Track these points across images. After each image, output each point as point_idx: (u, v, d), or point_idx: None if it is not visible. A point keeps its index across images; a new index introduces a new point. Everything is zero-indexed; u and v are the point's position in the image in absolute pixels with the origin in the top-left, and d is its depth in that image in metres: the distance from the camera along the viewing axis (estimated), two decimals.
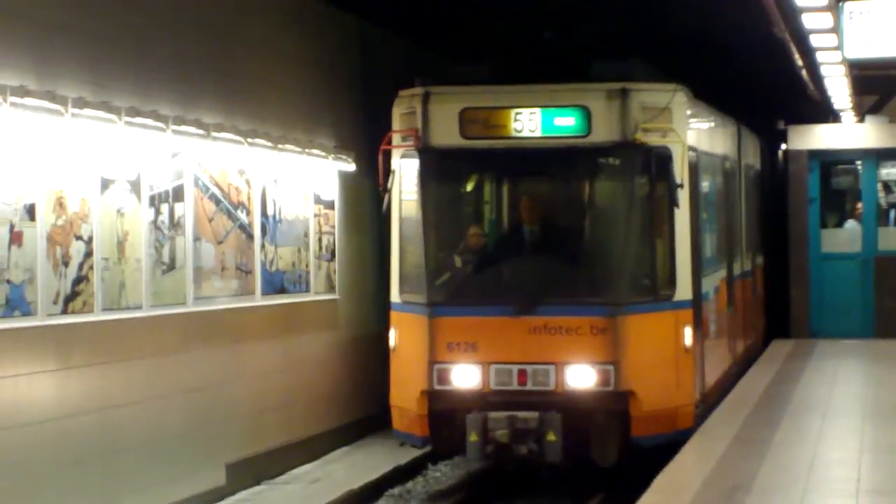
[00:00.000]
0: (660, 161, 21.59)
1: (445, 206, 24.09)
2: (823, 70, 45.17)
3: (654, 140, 21.45)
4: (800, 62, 44.03)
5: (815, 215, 47.04)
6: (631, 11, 42.25)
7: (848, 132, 50.03)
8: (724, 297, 35.73)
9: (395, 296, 23.47)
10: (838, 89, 47.79)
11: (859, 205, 47.16)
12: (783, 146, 48.40)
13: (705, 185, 32.88)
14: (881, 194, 47.10)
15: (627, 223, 22.33)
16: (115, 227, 28.79)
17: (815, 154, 47.04)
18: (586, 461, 21.07)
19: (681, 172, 22.52)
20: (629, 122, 21.10)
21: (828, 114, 49.87)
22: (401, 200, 23.30)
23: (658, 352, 23.51)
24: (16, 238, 24.10)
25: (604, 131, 21.51)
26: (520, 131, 22.05)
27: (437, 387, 21.17)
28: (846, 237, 49.80)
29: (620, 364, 21.28)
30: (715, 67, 44.69)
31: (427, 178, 22.50)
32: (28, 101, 23.95)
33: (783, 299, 49.91)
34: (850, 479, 24.81)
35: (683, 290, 24.02)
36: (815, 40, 40.19)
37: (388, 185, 21.33)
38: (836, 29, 37.93)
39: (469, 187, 25.80)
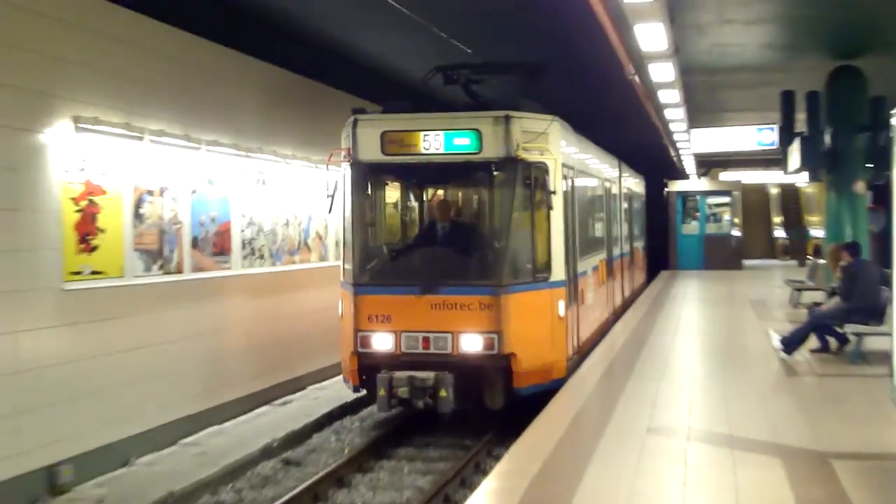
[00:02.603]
0: (538, 173, 16.78)
1: (370, 208, 18.73)
2: (683, 158, 45.92)
3: (533, 157, 16.68)
4: (673, 154, 45.06)
5: (679, 219, 47.31)
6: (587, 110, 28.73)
7: (693, 183, 48.88)
8: (604, 271, 25.68)
9: (342, 276, 18.64)
10: (689, 165, 48.11)
11: (697, 214, 47.49)
12: (666, 189, 48.48)
13: (584, 194, 23.14)
14: (707, 210, 47.64)
15: (511, 221, 17.03)
16: None
17: (679, 193, 47.15)
18: (480, 406, 17.03)
19: (554, 182, 17.23)
20: (512, 142, 16.35)
21: (685, 174, 50.32)
22: (343, 203, 18.29)
23: (536, 321, 17.37)
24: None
25: (492, 149, 16.68)
26: (427, 149, 17.10)
27: (360, 349, 16.80)
28: (691, 228, 47.08)
29: (503, 333, 16.22)
30: (631, 148, 37.67)
31: (356, 186, 17.70)
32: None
33: (666, 255, 47.88)
34: (695, 327, 25.14)
35: (558, 273, 17.86)
36: (679, 145, 41.29)
37: (332, 191, 17.33)
38: (689, 140, 38.81)
39: (389, 193, 20.20)
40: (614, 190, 30.01)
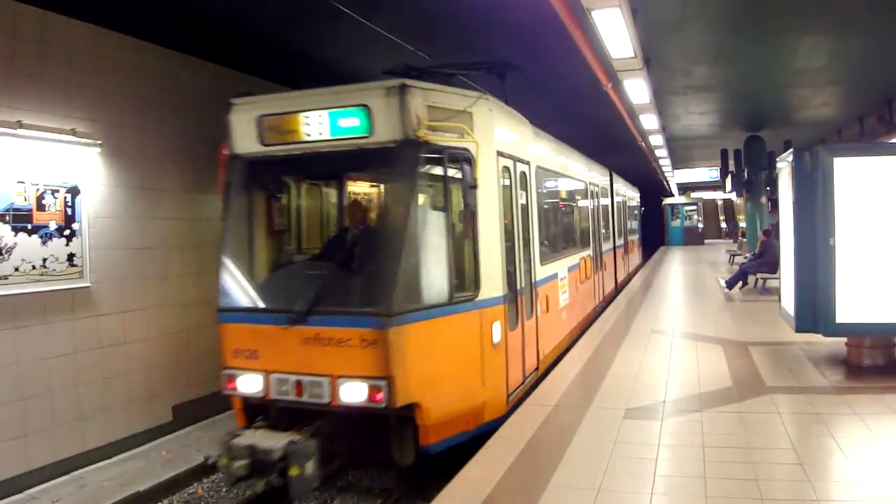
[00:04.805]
0: (453, 161, 7.55)
1: (244, 213, 8.34)
2: (671, 184, 44.79)
3: (445, 140, 7.51)
4: (665, 182, 43.94)
5: (669, 218, 46.31)
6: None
7: (677, 199, 46.22)
8: (589, 267, 15.22)
9: None
10: (674, 188, 46.62)
11: (679, 215, 46.41)
12: (662, 202, 47.44)
13: (555, 194, 13.15)
14: (685, 213, 46.29)
15: (409, 226, 7.15)
16: None
17: (669, 204, 45.78)
18: (388, 461, 7.52)
19: (478, 174, 7.80)
20: (410, 120, 7.25)
21: (672, 193, 48.76)
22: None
23: (453, 356, 7.54)
24: None
25: (385, 130, 7.37)
26: (310, 135, 7.71)
27: (226, 390, 7.71)
28: (676, 223, 45.45)
29: (394, 379, 6.87)
30: (643, 179, 35.17)
31: (231, 187, 8.31)
32: None
33: (663, 238, 46.42)
34: (678, 275, 23.88)
35: (492, 289, 7.99)
36: (668, 177, 40.22)
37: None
38: (673, 175, 38.05)
39: (268, 194, 8.60)
40: (604, 194, 19.34)
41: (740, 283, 18.88)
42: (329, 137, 7.62)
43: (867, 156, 8.80)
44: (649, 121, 17.76)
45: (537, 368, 9.72)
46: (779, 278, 11.15)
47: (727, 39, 12.02)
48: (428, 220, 7.55)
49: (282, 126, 7.84)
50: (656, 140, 22.28)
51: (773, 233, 18.74)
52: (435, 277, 7.53)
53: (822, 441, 6.56)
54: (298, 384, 7.27)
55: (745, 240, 28.13)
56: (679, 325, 13.37)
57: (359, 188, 10.16)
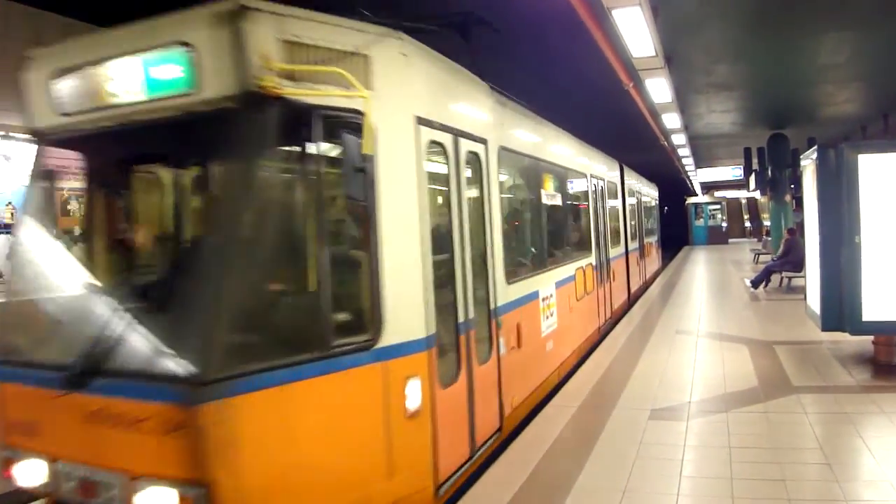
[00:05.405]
0: (330, 128, 3.77)
1: (40, 216, 4.67)
2: (694, 183, 44.53)
3: (315, 94, 3.73)
4: (688, 181, 43.74)
5: (693, 217, 45.86)
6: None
7: (700, 198, 46.03)
8: (590, 278, 11.47)
9: None
10: (697, 188, 46.55)
11: (703, 214, 46.08)
12: (686, 201, 47.05)
13: (536, 186, 9.03)
14: (708, 212, 45.90)
15: (245, 233, 3.56)
16: None
17: (693, 203, 45.45)
18: None
19: (368, 147, 3.99)
20: (250, 62, 3.44)
21: (695, 193, 48.64)
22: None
23: (333, 440, 4.02)
24: None
25: (214, 81, 3.53)
26: (118, 95, 3.88)
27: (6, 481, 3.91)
28: (700, 222, 44.82)
29: (218, 485, 3.27)
30: (666, 178, 35.01)
31: (30, 177, 4.72)
32: None
33: (687, 238, 46.21)
34: (702, 275, 23.49)
35: (405, 328, 4.43)
36: (691, 176, 39.98)
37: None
38: (696, 174, 37.78)
39: (70, 189, 8.37)
40: (613, 191, 15.54)
41: (765, 283, 18.78)
42: (144, 98, 4.55)
43: (892, 152, 8.74)
44: (671, 119, 17.71)
45: (500, 429, 6.82)
46: (804, 277, 11.09)
47: (749, 37, 11.97)
48: (283, 223, 4.87)
49: (83, 84, 4.81)
50: (679, 139, 22.22)
51: (797, 231, 18.64)
52: (296, 315, 4.81)
53: (850, 441, 6.50)
54: (85, 483, 4.36)
55: (769, 238, 27.96)
56: (704, 325, 13.27)
57: (191, 174, 6.15)
